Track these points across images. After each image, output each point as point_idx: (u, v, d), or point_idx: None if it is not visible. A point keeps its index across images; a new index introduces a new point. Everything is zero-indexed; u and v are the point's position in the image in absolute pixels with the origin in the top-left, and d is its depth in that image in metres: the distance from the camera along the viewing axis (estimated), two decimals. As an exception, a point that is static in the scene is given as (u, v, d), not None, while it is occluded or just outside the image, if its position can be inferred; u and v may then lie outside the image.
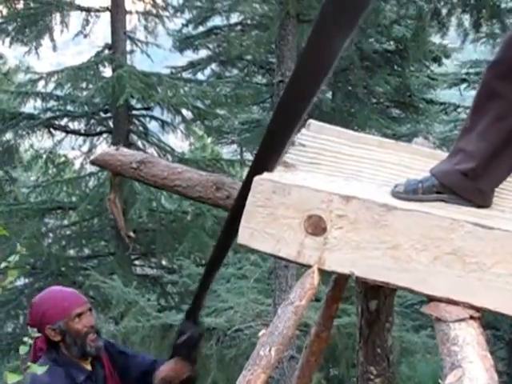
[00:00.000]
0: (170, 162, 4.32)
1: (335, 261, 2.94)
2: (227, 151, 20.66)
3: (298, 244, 2.98)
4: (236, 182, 3.86)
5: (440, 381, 2.50)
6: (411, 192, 3.01)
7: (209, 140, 20.10)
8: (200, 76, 16.58)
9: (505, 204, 3.13)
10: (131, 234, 4.57)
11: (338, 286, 3.82)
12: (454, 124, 18.12)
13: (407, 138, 12.52)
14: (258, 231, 3.04)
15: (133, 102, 15.25)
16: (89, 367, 3.82)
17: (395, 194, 3.02)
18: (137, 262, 16.93)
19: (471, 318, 2.73)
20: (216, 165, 15.41)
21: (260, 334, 3.01)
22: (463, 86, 17.72)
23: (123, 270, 14.42)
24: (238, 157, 18.16)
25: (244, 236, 3.09)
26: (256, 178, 3.04)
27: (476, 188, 3.03)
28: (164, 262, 16.75)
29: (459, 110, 18.18)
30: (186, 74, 16.40)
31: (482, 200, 3.05)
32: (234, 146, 18.59)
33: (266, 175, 3.07)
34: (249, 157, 17.24)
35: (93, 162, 4.26)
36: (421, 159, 3.61)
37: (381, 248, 2.87)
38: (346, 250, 2.92)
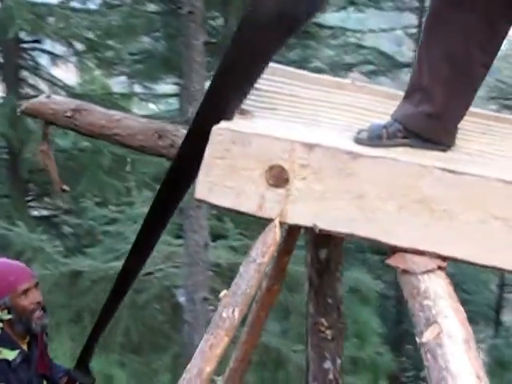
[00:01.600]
0: (105, 110, 4.16)
1: (298, 213, 2.92)
2: (116, 83, 20.43)
3: (259, 197, 2.94)
4: (179, 130, 3.79)
5: (417, 338, 2.56)
6: (376, 138, 3.01)
7: (98, 72, 19.87)
8: (91, 5, 16.44)
9: (471, 146, 3.16)
10: (66, 187, 4.44)
11: (290, 237, 3.82)
12: (343, 49, 18.43)
13: (297, 65, 12.51)
14: (217, 185, 2.98)
15: (22, 34, 14.97)
16: (25, 347, 3.76)
17: (359, 141, 3.01)
18: (32, 204, 16.85)
19: (439, 268, 2.76)
20: (109, 99, 15.30)
21: (221, 294, 2.98)
22: (351, 8, 18.00)
23: (20, 213, 14.31)
24: (128, 89, 18.19)
25: (202, 190, 3.00)
26: (214, 128, 2.96)
27: (442, 127, 3.07)
28: (61, 203, 16.56)
29: (348, 33, 18.49)
30: (76, 4, 16.13)
31: (449, 139, 3.09)
32: (123, 78, 18.44)
33: (224, 124, 2.99)
34: (139, 89, 17.44)
35: (23, 112, 4.09)
36: (379, 100, 3.62)
37: (346, 198, 2.86)
38: (309, 201, 2.90)
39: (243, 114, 3.17)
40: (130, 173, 14.55)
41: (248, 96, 3.22)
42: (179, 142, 3.57)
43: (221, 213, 12.74)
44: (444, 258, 2.82)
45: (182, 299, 12.48)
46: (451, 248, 2.83)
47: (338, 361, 4.11)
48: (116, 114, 4.04)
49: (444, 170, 2.79)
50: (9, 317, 3.28)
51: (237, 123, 3.07)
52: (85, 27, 14.69)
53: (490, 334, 19.47)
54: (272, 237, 2.92)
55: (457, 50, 3.00)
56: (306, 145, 2.88)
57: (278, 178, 2.90)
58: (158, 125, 3.84)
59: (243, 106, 3.21)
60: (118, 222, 14.04)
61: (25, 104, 4.07)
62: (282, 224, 2.96)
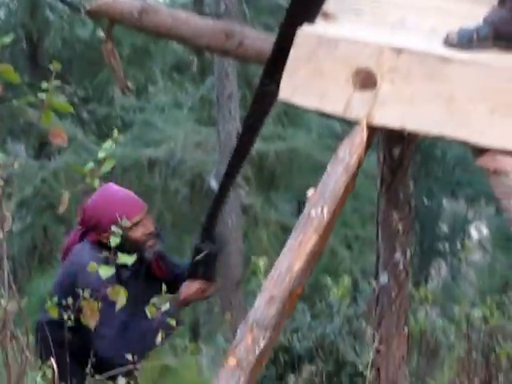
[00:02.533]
0: (171, 10, 4.24)
1: (386, 115, 3.02)
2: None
3: (345, 99, 3.03)
4: (246, 29, 3.88)
5: None
6: (466, 41, 3.06)
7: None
8: None
9: None
10: (130, 84, 4.51)
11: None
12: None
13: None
14: (301, 87, 3.08)
15: None
16: (134, 267, 3.82)
17: (449, 44, 3.07)
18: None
19: None
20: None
21: (309, 192, 3.10)
22: None
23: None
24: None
25: (286, 92, 3.11)
26: (299, 32, 3.03)
27: None
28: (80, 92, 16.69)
29: None
30: None
31: None
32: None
33: (308, 28, 3.05)
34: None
35: (89, 13, 4.11)
36: (464, 2, 3.67)
37: (435, 101, 2.96)
38: (397, 104, 3.00)
39: (327, 17, 3.22)
40: (150, 63, 14.58)
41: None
42: (247, 41, 3.67)
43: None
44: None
45: (213, 184, 12.58)
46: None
47: (408, 252, 4.31)
48: (182, 14, 4.11)
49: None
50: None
51: (322, 26, 3.14)
52: None
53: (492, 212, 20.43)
54: (360, 138, 3.05)
55: None
56: (394, 49, 2.96)
57: (366, 81, 3.00)
58: (225, 25, 3.90)
59: (325, 9, 3.24)
60: (144, 111, 14.16)
61: (91, 5, 4.06)
62: (368, 126, 3.05)
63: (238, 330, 3.05)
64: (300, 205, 14.68)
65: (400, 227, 4.30)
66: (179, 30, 3.91)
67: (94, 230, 3.86)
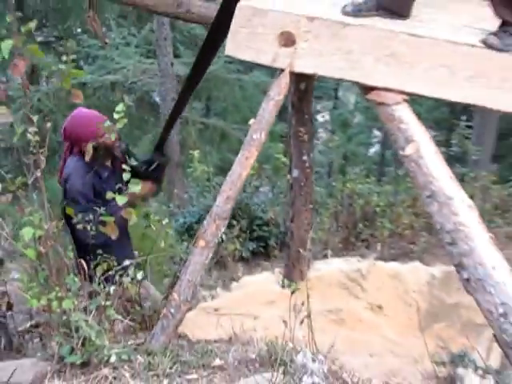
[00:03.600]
0: None
1: (302, 65, 4.01)
2: None
3: (273, 53, 4.01)
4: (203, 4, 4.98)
5: (400, 152, 3.79)
6: (357, 11, 4.03)
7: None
8: None
9: (420, 16, 4.18)
10: (107, 40, 5.50)
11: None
12: None
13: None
14: (241, 45, 4.05)
15: None
16: (109, 164, 4.95)
17: (345, 13, 4.03)
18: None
19: (405, 100, 3.90)
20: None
21: (250, 122, 4.14)
22: None
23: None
24: None
25: (230, 48, 4.10)
26: (239, 5, 4.01)
27: (403, 3, 4.11)
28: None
29: None
30: None
31: (407, 12, 4.11)
32: None
33: (246, 2, 4.03)
34: None
35: None
36: None
37: (337, 54, 3.94)
38: (310, 56, 3.99)
39: None
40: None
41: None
42: (193, 9, 4.76)
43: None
44: (407, 94, 3.92)
45: (157, 99, 16.71)
46: (412, 86, 3.90)
47: (311, 155, 5.51)
48: None
49: (407, 33, 3.87)
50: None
51: (255, 1, 4.09)
52: None
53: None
54: (285, 81, 4.05)
55: None
56: (308, 17, 3.95)
57: (288, 40, 3.97)
58: None
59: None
60: (104, 48, 17.40)
61: None
62: (290, 72, 4.03)
63: (205, 222, 4.09)
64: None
65: (306, 137, 5.45)
66: (143, 2, 4.92)
67: (76, 143, 4.82)
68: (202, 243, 4.03)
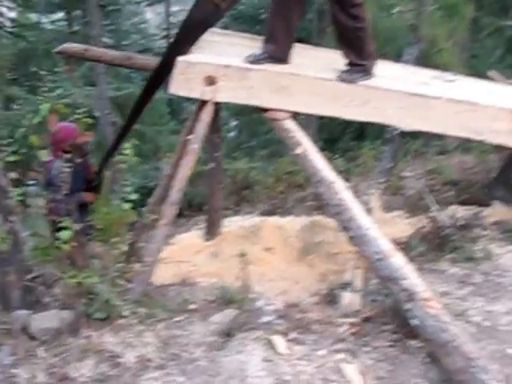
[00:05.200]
0: (98, 48, 5.17)
1: (221, 97, 4.13)
2: None
3: (201, 90, 4.11)
4: (136, 55, 5.01)
5: (292, 151, 3.96)
6: (256, 60, 4.18)
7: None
8: None
9: (294, 61, 4.31)
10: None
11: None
12: None
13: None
14: (179, 86, 4.12)
15: None
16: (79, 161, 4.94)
17: (248, 61, 4.17)
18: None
19: (290, 117, 4.10)
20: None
21: (189, 137, 4.24)
22: None
23: None
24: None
25: (172, 89, 4.14)
26: (178, 60, 4.07)
27: (282, 53, 4.24)
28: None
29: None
30: None
31: (286, 58, 4.26)
32: None
33: (182, 58, 4.10)
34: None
35: (57, 52, 5.00)
36: (252, 41, 4.76)
37: (244, 88, 4.10)
38: (226, 91, 4.10)
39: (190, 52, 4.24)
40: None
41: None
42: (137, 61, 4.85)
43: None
44: (291, 112, 4.11)
45: (97, 114, 14.49)
46: (294, 107, 4.12)
47: (221, 152, 5.52)
48: (104, 50, 5.04)
49: (289, 73, 4.11)
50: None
51: (189, 56, 4.17)
52: None
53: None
54: (210, 108, 4.16)
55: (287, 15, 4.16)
56: (223, 65, 4.07)
57: (210, 81, 4.09)
58: (125, 54, 5.07)
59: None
60: None
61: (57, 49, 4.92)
62: (213, 102, 4.16)
63: (163, 207, 4.12)
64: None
65: (217, 141, 5.51)
66: (102, 58, 4.91)
67: (57, 145, 4.82)
68: (163, 221, 4.07)
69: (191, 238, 6.29)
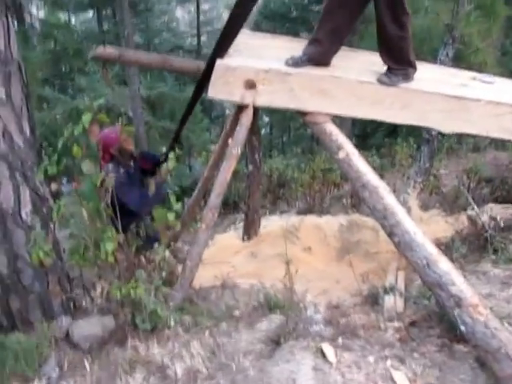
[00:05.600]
0: (133, 51, 5.14)
1: (261, 101, 4.10)
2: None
3: (241, 94, 4.08)
4: (172, 57, 4.96)
5: (334, 156, 3.93)
6: (295, 63, 4.15)
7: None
8: None
9: (336, 64, 4.30)
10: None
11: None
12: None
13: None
14: (219, 90, 4.08)
15: None
16: (131, 163, 4.87)
17: (287, 65, 4.14)
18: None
19: (331, 120, 4.06)
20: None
21: (229, 141, 4.23)
22: None
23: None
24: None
25: (211, 93, 4.10)
26: (217, 63, 4.05)
27: (326, 58, 4.23)
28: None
29: None
30: None
31: (328, 62, 4.25)
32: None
33: (221, 61, 4.07)
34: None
35: (92, 58, 4.80)
36: (292, 42, 4.77)
37: (284, 92, 4.05)
38: (266, 95, 4.07)
39: (227, 55, 4.20)
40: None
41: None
42: (173, 63, 4.81)
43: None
44: (331, 115, 4.08)
45: (130, 113, 14.73)
46: (334, 110, 4.08)
47: (260, 154, 5.58)
48: (141, 52, 5.05)
49: (329, 76, 4.06)
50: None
51: (227, 60, 4.13)
52: None
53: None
54: (250, 112, 4.13)
55: (336, 24, 4.11)
56: (263, 69, 4.04)
57: (251, 85, 4.06)
58: (161, 57, 5.02)
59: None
60: None
61: (93, 53, 4.77)
62: (254, 107, 4.12)
63: (204, 211, 4.10)
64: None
65: (256, 143, 5.56)
66: (138, 61, 4.89)
67: (106, 150, 4.68)
68: (204, 226, 4.05)
69: (229, 238, 6.33)
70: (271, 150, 13.46)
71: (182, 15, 34.72)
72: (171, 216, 3.56)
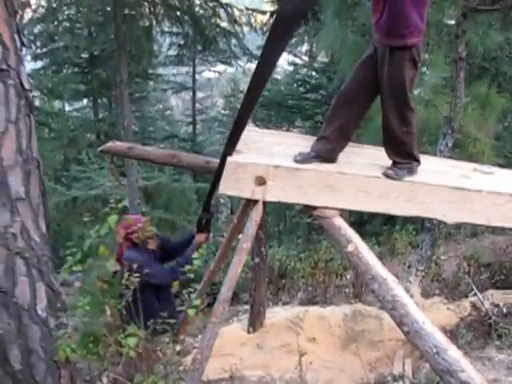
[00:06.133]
0: (141, 146, 5.31)
1: (271, 196, 4.20)
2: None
3: (251, 190, 4.19)
4: (180, 153, 5.13)
5: (344, 249, 4.02)
6: (304, 160, 4.30)
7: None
8: None
9: (341, 160, 4.47)
10: (123, 183, 5.53)
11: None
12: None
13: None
14: (230, 186, 4.21)
15: None
16: (153, 248, 4.79)
17: (296, 161, 4.29)
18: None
19: (339, 214, 4.19)
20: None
21: (239, 236, 4.34)
22: None
23: None
24: None
25: (222, 189, 4.23)
26: (228, 160, 4.19)
27: (332, 155, 4.40)
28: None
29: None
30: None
31: (334, 159, 4.41)
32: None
33: (232, 158, 4.22)
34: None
35: (101, 151, 4.97)
36: (298, 139, 4.95)
37: (293, 187, 4.18)
38: (276, 191, 4.19)
39: (238, 152, 4.37)
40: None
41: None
42: (182, 158, 4.98)
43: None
44: (340, 209, 4.20)
45: (127, 204, 14.08)
46: (343, 204, 4.20)
47: (266, 247, 5.65)
48: (148, 148, 5.24)
49: (337, 172, 4.21)
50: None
51: (237, 157, 4.29)
52: None
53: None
54: (260, 208, 4.22)
55: (342, 123, 4.32)
56: (273, 166, 4.18)
57: (261, 181, 4.19)
58: (169, 152, 5.19)
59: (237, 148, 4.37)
60: None
61: (102, 148, 4.95)
62: (263, 202, 4.22)
63: (215, 305, 4.08)
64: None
65: (262, 236, 5.66)
66: (146, 156, 5.03)
67: (128, 237, 4.71)
68: (214, 319, 4.07)
69: (234, 330, 6.31)
70: (268, 239, 13.49)
71: (177, 103, 35.56)
72: (192, 311, 3.61)
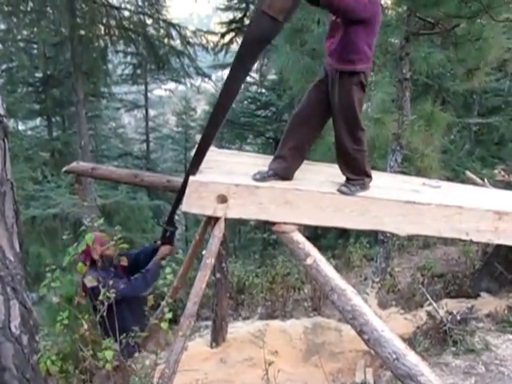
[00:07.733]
0: (105, 166, 5.42)
1: (232, 213, 4.40)
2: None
3: (213, 208, 4.38)
4: (143, 172, 5.25)
5: (303, 262, 4.22)
6: (262, 178, 4.53)
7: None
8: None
9: (298, 177, 4.72)
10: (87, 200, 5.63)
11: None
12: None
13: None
14: (193, 204, 4.38)
15: None
16: (112, 269, 4.90)
17: (255, 179, 4.51)
18: None
19: (297, 229, 4.41)
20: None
21: (203, 252, 4.50)
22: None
23: None
24: None
25: (185, 207, 4.40)
26: (190, 179, 4.37)
27: (288, 173, 4.63)
28: None
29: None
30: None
31: (291, 176, 4.65)
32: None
33: (194, 178, 4.40)
34: None
35: (65, 171, 5.06)
36: (257, 158, 5.18)
37: (253, 204, 4.40)
38: (237, 208, 4.39)
39: (199, 171, 4.55)
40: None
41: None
42: (145, 178, 5.14)
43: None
44: (297, 224, 4.42)
45: (85, 222, 13.98)
46: (300, 220, 4.42)
47: (227, 263, 5.79)
48: (111, 168, 5.34)
49: (293, 189, 4.43)
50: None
51: (199, 176, 4.46)
52: None
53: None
54: (222, 224, 4.39)
55: (299, 142, 4.58)
56: (235, 184, 4.38)
57: (222, 199, 4.38)
58: (132, 172, 5.30)
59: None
60: None
61: (66, 168, 5.02)
62: (225, 219, 4.40)
63: (181, 319, 4.20)
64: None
65: (224, 253, 5.80)
66: (110, 176, 5.17)
67: (90, 253, 4.73)
68: (180, 333, 4.19)
69: (197, 345, 6.44)
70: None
71: (129, 121, 35.47)
72: (165, 325, 3.75)
